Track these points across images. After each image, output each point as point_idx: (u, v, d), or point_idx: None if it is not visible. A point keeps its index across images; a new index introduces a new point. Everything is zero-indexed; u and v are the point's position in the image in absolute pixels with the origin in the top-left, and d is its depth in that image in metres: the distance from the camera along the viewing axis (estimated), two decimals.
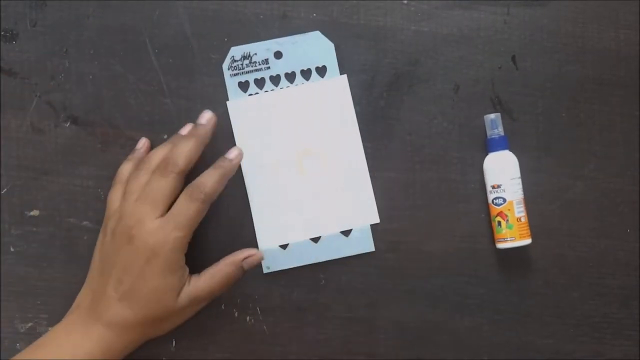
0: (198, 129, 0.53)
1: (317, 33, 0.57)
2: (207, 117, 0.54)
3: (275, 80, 0.57)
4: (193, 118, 0.55)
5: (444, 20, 0.58)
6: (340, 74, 0.58)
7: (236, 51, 0.57)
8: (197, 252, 0.56)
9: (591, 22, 0.59)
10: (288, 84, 0.57)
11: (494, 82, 0.58)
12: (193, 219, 0.50)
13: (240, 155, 0.54)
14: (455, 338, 0.58)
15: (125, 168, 0.55)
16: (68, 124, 0.58)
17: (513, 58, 0.59)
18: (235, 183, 0.57)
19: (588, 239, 0.58)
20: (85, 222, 0.57)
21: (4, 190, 0.57)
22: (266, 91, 0.57)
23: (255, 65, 0.57)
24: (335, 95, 0.57)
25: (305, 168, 0.57)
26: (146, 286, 0.50)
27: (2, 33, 0.58)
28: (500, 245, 0.56)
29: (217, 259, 0.53)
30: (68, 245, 0.57)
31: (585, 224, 0.58)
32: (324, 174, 0.57)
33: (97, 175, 0.57)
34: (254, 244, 0.57)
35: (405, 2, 0.58)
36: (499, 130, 0.56)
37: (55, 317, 0.57)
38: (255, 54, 0.57)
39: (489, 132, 0.56)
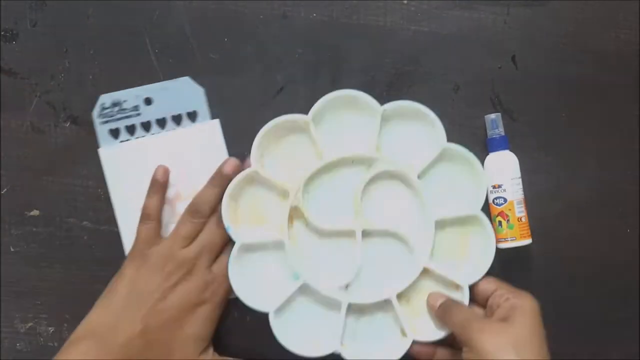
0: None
1: (187, 79, 0.57)
2: (233, 165, 0.55)
3: (146, 126, 0.57)
4: None
5: (444, 20, 0.58)
6: (340, 75, 0.58)
7: (106, 99, 0.57)
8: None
9: (591, 22, 0.59)
10: (159, 129, 0.57)
11: (494, 82, 0.58)
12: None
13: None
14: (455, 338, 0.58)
15: (154, 202, 0.55)
16: (68, 124, 0.58)
17: (513, 58, 0.58)
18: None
19: (588, 239, 0.58)
20: (85, 222, 0.57)
21: (4, 190, 0.57)
22: (137, 137, 0.57)
23: (126, 112, 0.57)
24: (207, 140, 0.57)
25: (178, 212, 0.56)
26: (181, 332, 0.52)
27: (2, 33, 0.58)
28: (501, 245, 0.56)
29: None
30: (68, 245, 0.57)
31: (585, 224, 0.58)
32: None
33: (97, 175, 0.57)
34: None
35: (405, 2, 0.58)
36: (500, 130, 0.56)
37: (55, 317, 0.57)
38: (125, 100, 0.57)
39: (489, 132, 0.56)
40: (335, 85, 0.57)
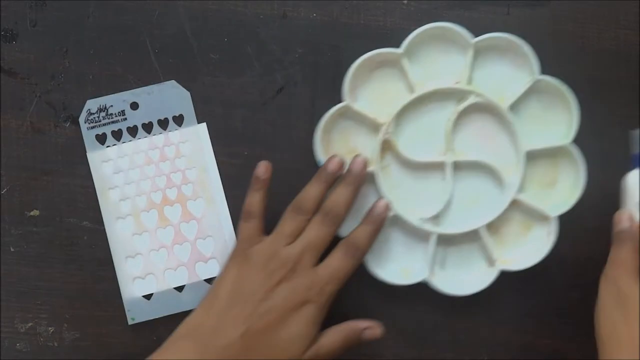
0: (355, 176, 0.53)
1: (173, 82, 0.57)
2: (361, 162, 0.53)
3: (133, 131, 0.57)
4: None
5: (444, 20, 0.58)
6: (340, 75, 0.58)
7: (92, 104, 0.57)
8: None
9: (591, 22, 0.59)
10: (145, 134, 0.57)
11: None
12: (348, 274, 0.51)
13: (388, 207, 0.54)
14: (455, 338, 0.58)
15: (256, 199, 0.53)
16: (68, 124, 0.58)
17: None
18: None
19: (588, 239, 0.58)
20: (85, 222, 0.57)
21: (4, 190, 0.57)
22: (124, 142, 0.57)
23: (112, 117, 0.57)
24: (195, 144, 0.57)
25: (166, 217, 0.57)
26: (285, 332, 0.49)
27: (2, 33, 0.58)
28: None
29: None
30: (68, 245, 0.57)
31: (585, 224, 0.58)
32: (186, 223, 0.57)
33: None
34: (117, 294, 0.57)
35: (405, 2, 0.58)
36: None
37: (55, 317, 0.57)
38: (112, 105, 0.57)
39: (636, 148, 0.54)
40: (335, 85, 0.57)
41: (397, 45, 0.58)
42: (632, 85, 0.59)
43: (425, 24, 0.57)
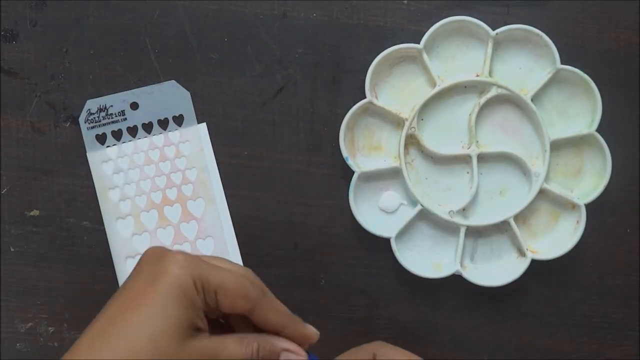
0: None
1: (173, 82, 0.57)
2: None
3: (133, 131, 0.57)
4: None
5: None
6: (340, 75, 0.58)
7: (92, 104, 0.57)
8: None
9: (591, 22, 0.59)
10: (146, 134, 0.57)
11: None
12: None
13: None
14: (455, 338, 0.58)
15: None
16: (68, 124, 0.58)
17: None
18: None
19: (588, 239, 0.58)
20: (85, 222, 0.57)
21: (4, 190, 0.57)
22: (124, 142, 0.57)
23: (112, 117, 0.57)
24: (195, 144, 0.57)
25: (166, 217, 0.57)
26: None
27: (2, 33, 0.58)
28: None
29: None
30: (68, 245, 0.57)
31: (585, 224, 0.58)
32: (186, 223, 0.57)
33: None
34: None
35: (405, 2, 0.58)
36: None
37: (55, 317, 0.57)
38: (112, 105, 0.57)
39: None
40: (335, 85, 0.57)
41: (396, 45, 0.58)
42: (632, 85, 0.59)
43: (425, 24, 0.57)
